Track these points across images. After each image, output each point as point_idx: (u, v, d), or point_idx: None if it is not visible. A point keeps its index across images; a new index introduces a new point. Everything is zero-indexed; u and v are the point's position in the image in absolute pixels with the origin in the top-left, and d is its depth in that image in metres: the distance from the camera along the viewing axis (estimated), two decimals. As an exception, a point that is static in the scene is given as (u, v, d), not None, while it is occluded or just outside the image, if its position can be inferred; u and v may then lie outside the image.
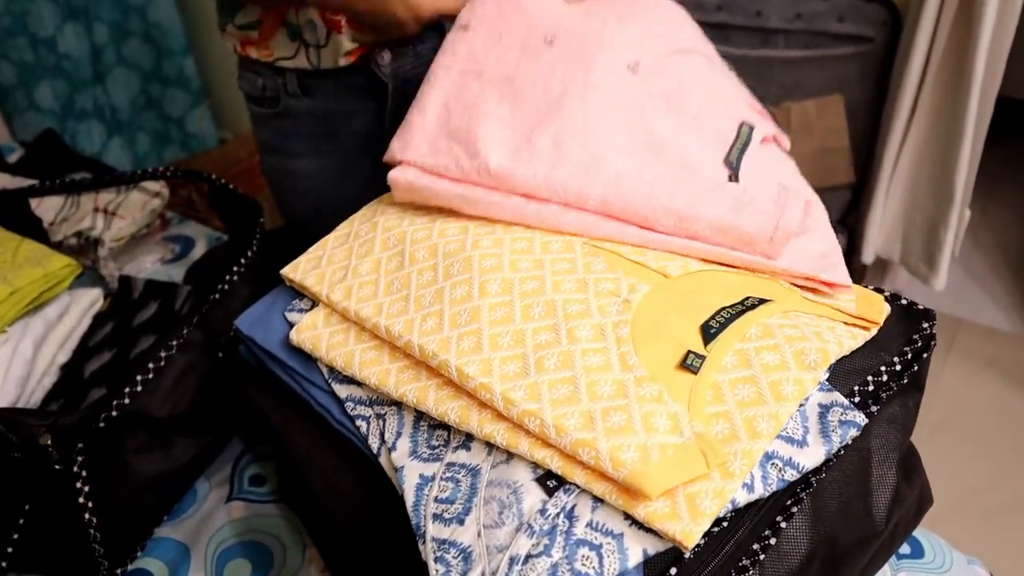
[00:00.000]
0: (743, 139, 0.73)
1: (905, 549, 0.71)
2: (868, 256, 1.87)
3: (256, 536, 0.77)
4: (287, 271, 0.72)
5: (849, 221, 1.90)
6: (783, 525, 0.50)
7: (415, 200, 0.73)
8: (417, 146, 0.72)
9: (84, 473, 0.69)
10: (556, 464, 0.48)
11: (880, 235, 1.85)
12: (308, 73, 0.93)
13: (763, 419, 0.48)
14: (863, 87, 1.79)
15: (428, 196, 0.71)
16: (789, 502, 0.51)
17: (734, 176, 0.68)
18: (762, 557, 0.49)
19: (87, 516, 0.70)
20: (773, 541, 0.49)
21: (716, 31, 1.77)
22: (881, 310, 0.59)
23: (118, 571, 0.73)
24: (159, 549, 0.76)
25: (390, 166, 0.73)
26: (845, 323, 0.58)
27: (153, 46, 2.41)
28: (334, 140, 0.98)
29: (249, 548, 0.76)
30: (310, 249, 0.74)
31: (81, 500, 0.69)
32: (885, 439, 0.58)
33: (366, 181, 0.98)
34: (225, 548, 0.76)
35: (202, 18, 2.49)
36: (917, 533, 0.73)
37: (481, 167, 0.67)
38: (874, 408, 0.57)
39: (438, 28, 0.95)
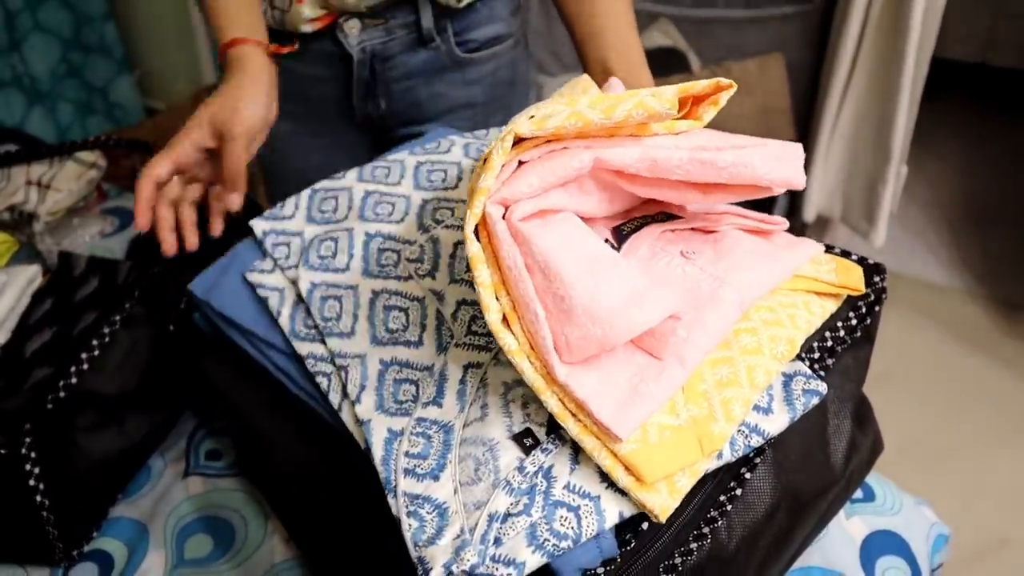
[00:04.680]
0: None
1: (857, 494, 0.73)
2: (809, 215, 1.91)
3: (216, 511, 0.75)
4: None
5: (791, 180, 1.93)
6: (748, 476, 0.51)
7: None
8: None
9: (33, 455, 0.67)
10: (554, 404, 0.47)
11: (821, 193, 1.89)
12: (275, 31, 0.92)
13: (738, 403, 0.49)
14: (803, 48, 1.82)
15: None
16: (752, 454, 0.52)
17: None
18: (729, 508, 0.50)
19: (38, 499, 0.67)
20: (739, 492, 0.50)
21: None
22: (861, 277, 0.60)
23: (74, 553, 0.71)
24: (115, 528, 0.74)
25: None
26: (826, 293, 0.59)
27: (71, 11, 2.30)
28: (304, 103, 0.97)
29: (209, 523, 0.74)
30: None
31: (31, 483, 0.67)
32: (840, 390, 0.60)
33: (333, 151, 0.98)
34: (185, 524, 0.74)
35: (122, -17, 2.37)
36: (868, 478, 0.75)
37: None
38: (829, 361, 0.58)
39: (412, 3, 0.92)
